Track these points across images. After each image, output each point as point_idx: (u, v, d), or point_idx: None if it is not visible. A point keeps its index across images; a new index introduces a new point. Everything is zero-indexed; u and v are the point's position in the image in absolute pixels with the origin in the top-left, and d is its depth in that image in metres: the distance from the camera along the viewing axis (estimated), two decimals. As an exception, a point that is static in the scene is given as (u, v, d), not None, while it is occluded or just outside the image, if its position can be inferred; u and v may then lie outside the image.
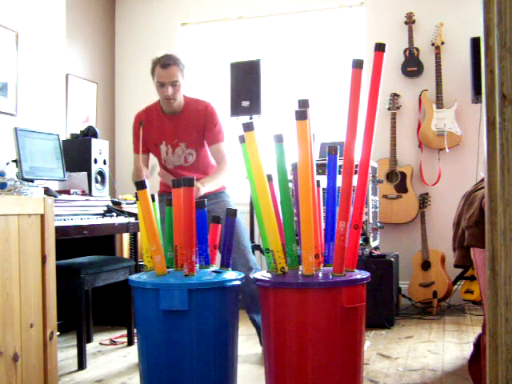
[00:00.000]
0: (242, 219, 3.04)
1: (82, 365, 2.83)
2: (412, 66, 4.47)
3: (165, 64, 2.81)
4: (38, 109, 3.89)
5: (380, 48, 1.87)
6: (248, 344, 3.25)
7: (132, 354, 3.08)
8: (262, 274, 2.03)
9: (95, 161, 3.79)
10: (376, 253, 3.77)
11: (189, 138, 2.96)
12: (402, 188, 4.39)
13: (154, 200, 2.22)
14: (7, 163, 3.32)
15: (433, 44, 4.39)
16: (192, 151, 2.98)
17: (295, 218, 2.07)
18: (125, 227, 3.36)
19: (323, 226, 2.06)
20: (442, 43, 4.37)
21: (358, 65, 1.87)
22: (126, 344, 3.28)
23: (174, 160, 2.99)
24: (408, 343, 3.24)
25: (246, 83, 4.19)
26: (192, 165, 2.99)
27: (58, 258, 2.29)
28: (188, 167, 2.98)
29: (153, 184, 2.67)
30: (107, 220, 3.29)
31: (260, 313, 2.06)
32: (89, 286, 2.93)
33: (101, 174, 3.84)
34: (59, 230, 2.70)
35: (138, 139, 2.94)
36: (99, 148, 3.85)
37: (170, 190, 2.91)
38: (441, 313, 4.03)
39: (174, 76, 2.83)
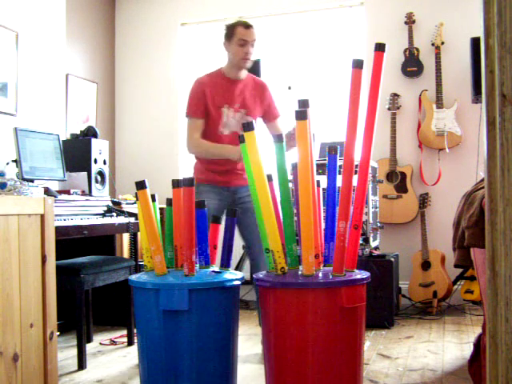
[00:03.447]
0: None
1: (82, 365, 2.83)
2: (412, 66, 4.46)
3: (248, 25, 3.01)
4: (38, 109, 3.89)
5: (380, 48, 1.87)
6: (248, 344, 3.25)
7: (132, 354, 3.08)
8: (262, 274, 2.03)
9: (95, 161, 3.79)
10: (376, 253, 3.77)
11: (250, 105, 3.08)
12: (401, 188, 4.39)
13: (154, 200, 2.22)
14: (7, 163, 3.32)
15: (433, 44, 4.39)
16: (250, 119, 3.03)
17: (295, 218, 2.07)
18: (125, 227, 3.36)
19: (323, 225, 2.06)
20: (442, 43, 4.37)
21: (358, 65, 1.87)
22: (126, 344, 3.28)
23: (233, 125, 3.05)
24: (408, 343, 3.24)
25: (246, 83, 4.17)
26: None
27: (58, 258, 2.29)
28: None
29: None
30: (107, 220, 3.29)
31: None
32: (89, 285, 2.93)
33: (101, 174, 3.84)
34: (59, 230, 2.70)
35: (200, 102, 2.98)
36: (99, 148, 3.85)
37: (219, 179, 3.00)
38: (441, 313, 4.03)
39: (255, 36, 3.03)
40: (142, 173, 4.82)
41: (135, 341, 3.18)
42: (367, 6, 4.65)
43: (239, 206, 2.99)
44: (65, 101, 4.46)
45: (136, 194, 2.16)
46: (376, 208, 3.98)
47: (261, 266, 2.90)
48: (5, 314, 1.94)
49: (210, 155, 3.02)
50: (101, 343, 3.34)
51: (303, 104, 1.97)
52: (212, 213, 2.66)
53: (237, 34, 2.98)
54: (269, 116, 3.17)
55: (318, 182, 2.13)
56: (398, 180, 4.40)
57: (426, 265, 4.20)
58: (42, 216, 2.14)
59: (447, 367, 2.76)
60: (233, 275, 2.12)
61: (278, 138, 2.06)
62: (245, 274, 2.33)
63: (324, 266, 2.03)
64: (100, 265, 3.03)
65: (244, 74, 3.11)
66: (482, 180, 2.11)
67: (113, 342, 3.35)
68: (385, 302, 3.61)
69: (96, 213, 3.36)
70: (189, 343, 1.98)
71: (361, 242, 3.62)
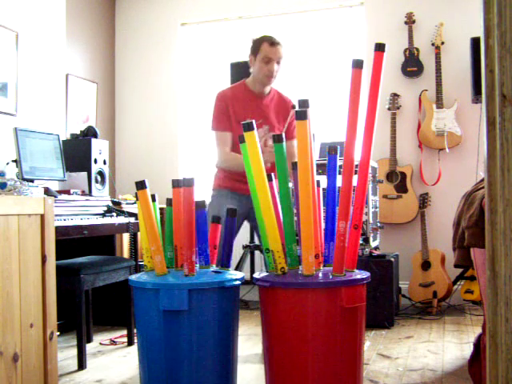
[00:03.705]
0: None
1: (82, 365, 2.83)
2: (412, 66, 4.47)
3: (274, 42, 2.96)
4: (38, 109, 3.89)
5: (380, 48, 1.87)
6: (248, 344, 3.25)
7: (132, 354, 3.09)
8: (262, 274, 2.03)
9: (95, 161, 3.79)
10: (376, 253, 3.77)
11: (274, 121, 3.01)
12: (401, 188, 4.39)
13: (154, 200, 2.22)
14: (7, 163, 3.32)
15: (433, 44, 4.39)
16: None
17: (295, 218, 2.07)
18: (125, 227, 3.36)
19: (323, 225, 2.06)
20: (442, 43, 4.37)
21: (358, 65, 1.87)
22: (126, 344, 3.28)
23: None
24: (408, 343, 3.24)
25: (246, 83, 4.16)
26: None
27: (58, 258, 2.29)
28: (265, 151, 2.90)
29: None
30: (107, 220, 3.29)
31: None
32: (89, 285, 2.93)
33: (101, 173, 3.84)
34: (59, 230, 2.70)
35: (224, 116, 2.93)
36: (99, 148, 3.85)
37: (239, 186, 2.92)
38: (441, 313, 4.03)
39: (281, 54, 2.97)
40: (142, 173, 4.82)
41: (135, 341, 3.18)
42: (367, 6, 4.65)
43: None
44: (65, 101, 4.46)
45: (136, 193, 2.16)
46: (376, 208, 3.98)
47: None
48: (5, 314, 1.94)
49: (243, 167, 2.95)
50: (101, 343, 3.34)
51: (303, 104, 1.97)
52: None
53: (262, 50, 2.93)
54: (287, 134, 3.05)
55: (318, 181, 2.13)
56: (398, 180, 4.40)
57: (425, 265, 4.20)
58: (42, 216, 2.14)
59: (447, 367, 2.76)
60: (233, 275, 2.11)
61: (278, 138, 2.06)
62: (245, 273, 2.33)
63: (324, 265, 2.03)
64: (100, 265, 3.03)
65: (269, 88, 3.05)
66: (482, 180, 2.11)
67: (113, 342, 3.35)
68: (385, 302, 3.61)
69: (96, 213, 3.36)
70: (189, 343, 1.98)
71: (361, 242, 3.62)
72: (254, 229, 3.21)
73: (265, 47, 2.93)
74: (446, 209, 4.24)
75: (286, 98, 3.11)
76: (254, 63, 2.96)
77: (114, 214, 3.42)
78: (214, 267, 2.23)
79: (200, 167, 5.01)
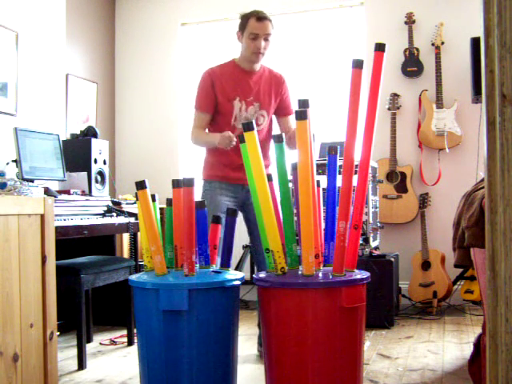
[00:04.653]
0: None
1: (82, 365, 2.83)
2: (412, 66, 4.47)
3: (261, 17, 2.83)
4: (38, 109, 3.89)
5: (380, 48, 1.87)
6: (248, 344, 3.25)
7: (132, 354, 3.08)
8: (262, 274, 2.03)
9: (95, 161, 3.79)
10: (376, 253, 3.77)
11: (264, 99, 2.95)
12: (401, 188, 4.39)
13: (154, 200, 2.22)
14: (7, 163, 3.32)
15: (433, 44, 4.39)
16: (264, 113, 2.95)
17: (295, 218, 2.07)
18: (125, 227, 3.36)
19: (323, 225, 2.06)
20: (442, 43, 4.37)
21: (358, 65, 1.87)
22: (126, 344, 3.28)
23: (246, 118, 2.91)
24: (408, 343, 3.24)
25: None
26: (262, 129, 2.94)
27: (57, 258, 2.29)
28: (258, 131, 2.79)
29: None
30: (107, 220, 3.29)
31: None
32: (89, 285, 2.93)
33: (101, 173, 3.84)
34: (59, 230, 2.70)
35: (207, 97, 2.88)
36: (99, 148, 3.85)
37: (233, 175, 2.87)
38: (441, 313, 4.03)
39: (269, 30, 2.85)
40: (142, 173, 4.82)
41: (135, 341, 3.18)
42: (367, 6, 4.65)
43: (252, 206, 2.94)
44: (65, 101, 4.46)
45: (136, 193, 2.16)
46: (376, 208, 3.98)
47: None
48: (5, 314, 1.94)
49: (203, 145, 2.96)
50: (101, 343, 3.34)
51: (303, 104, 1.97)
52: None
53: (248, 26, 2.83)
54: (281, 111, 3.02)
55: (318, 182, 2.13)
56: (398, 180, 4.40)
57: (425, 265, 4.20)
58: (42, 216, 2.14)
59: (447, 367, 2.76)
60: (233, 275, 2.11)
61: (278, 138, 2.06)
62: (245, 273, 2.33)
63: (324, 265, 2.03)
64: (100, 265, 3.03)
65: (258, 65, 2.96)
66: (482, 180, 2.11)
67: (113, 342, 3.35)
68: (385, 302, 3.61)
69: (96, 213, 3.36)
70: (189, 343, 1.98)
71: (361, 242, 3.62)
72: (245, 221, 3.00)
73: (251, 23, 2.82)
74: (446, 209, 4.24)
75: (277, 74, 3.05)
76: (242, 40, 2.89)
77: (114, 214, 3.42)
78: (214, 267, 2.23)
79: (200, 167, 4.99)
